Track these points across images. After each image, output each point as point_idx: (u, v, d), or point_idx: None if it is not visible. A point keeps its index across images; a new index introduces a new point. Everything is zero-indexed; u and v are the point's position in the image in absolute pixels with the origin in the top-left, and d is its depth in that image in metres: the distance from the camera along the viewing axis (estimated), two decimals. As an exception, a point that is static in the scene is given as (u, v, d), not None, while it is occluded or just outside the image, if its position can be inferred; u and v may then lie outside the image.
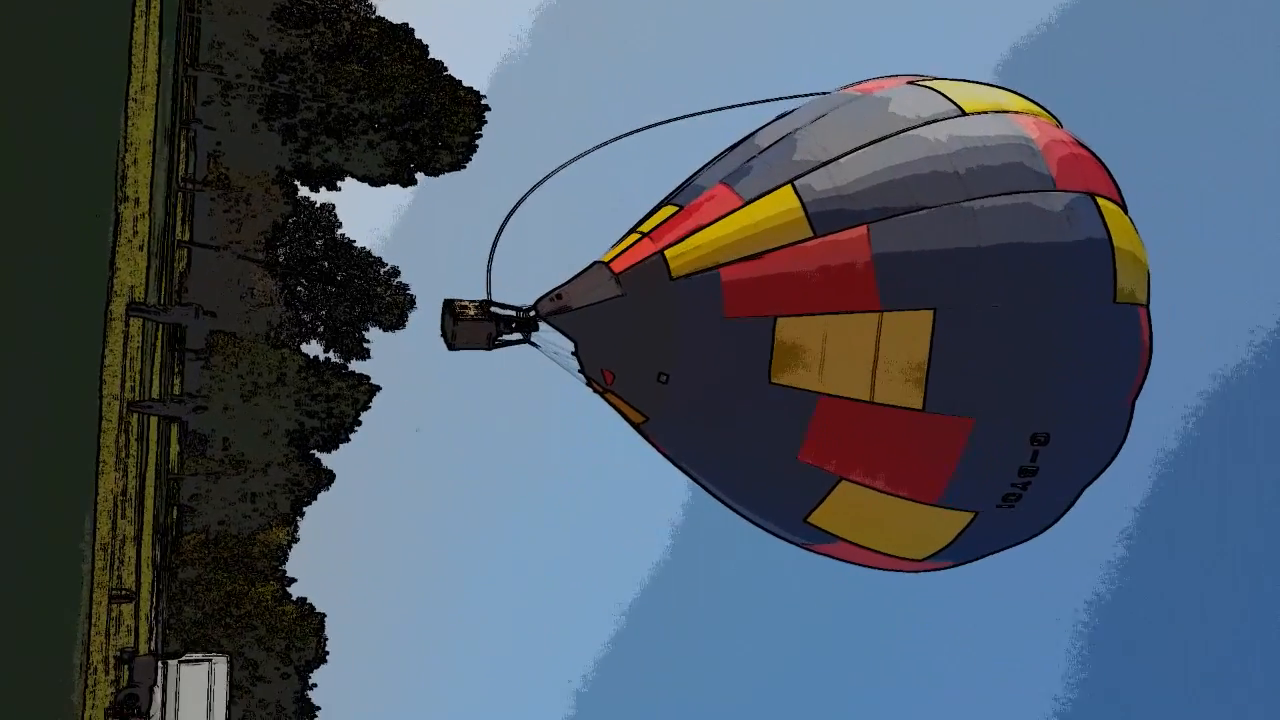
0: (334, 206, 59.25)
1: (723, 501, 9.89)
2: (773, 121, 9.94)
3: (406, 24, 54.14)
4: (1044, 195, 8.81)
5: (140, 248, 38.65)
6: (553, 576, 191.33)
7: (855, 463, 8.93)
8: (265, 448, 51.10)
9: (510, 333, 9.01)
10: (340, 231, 61.41)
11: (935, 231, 8.50)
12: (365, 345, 63.55)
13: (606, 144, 9.65)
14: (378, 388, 52.89)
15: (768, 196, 8.79)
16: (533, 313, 8.98)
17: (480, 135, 60.54)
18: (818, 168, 8.85)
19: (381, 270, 63.46)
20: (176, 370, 50.97)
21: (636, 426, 9.28)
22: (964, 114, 9.24)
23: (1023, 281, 8.58)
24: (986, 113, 9.33)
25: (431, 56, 57.15)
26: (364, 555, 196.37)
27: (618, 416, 9.32)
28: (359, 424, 52.52)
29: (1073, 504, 9.88)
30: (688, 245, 8.69)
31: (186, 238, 52.12)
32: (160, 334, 47.83)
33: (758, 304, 8.50)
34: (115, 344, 35.04)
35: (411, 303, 65.31)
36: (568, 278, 9.05)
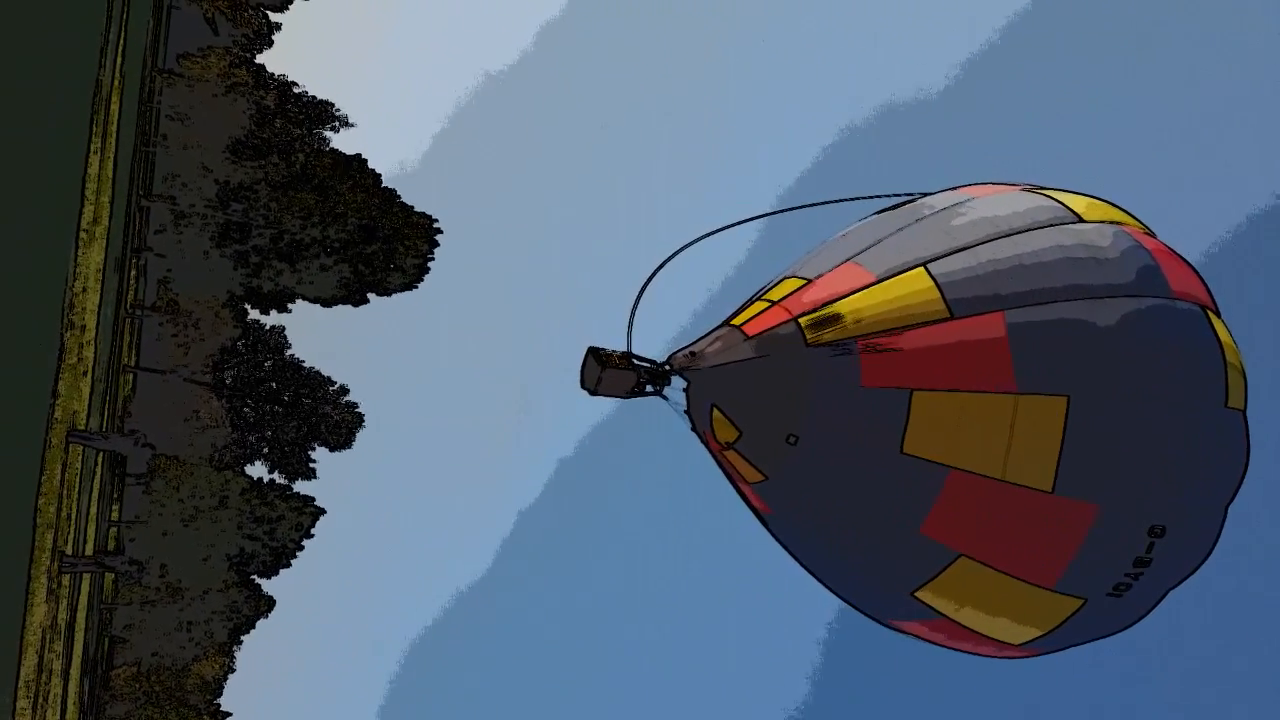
0: (284, 328, 59.75)
1: (813, 569, 9.98)
2: (883, 212, 10.44)
3: (359, 155, 56.12)
4: (1164, 302, 9.39)
5: (84, 374, 38.69)
6: (496, 708, 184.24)
7: (978, 539, 9.00)
8: (204, 573, 49.90)
9: (646, 384, 9.25)
10: (290, 352, 61.82)
11: (1069, 322, 8.94)
12: (311, 465, 63.06)
13: (736, 225, 10.25)
14: (322, 510, 52.30)
15: (900, 276, 9.17)
16: (668, 367, 9.23)
17: (432, 257, 62.16)
18: (951, 254, 9.28)
19: (330, 389, 63.65)
20: (115, 497, 50.03)
21: (750, 485, 9.34)
22: (1082, 220, 9.84)
23: (1151, 379, 8.99)
24: (1102, 222, 9.91)
25: (384, 185, 59.22)
26: (303, 685, 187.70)
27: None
28: (301, 548, 51.69)
29: (1159, 602, 10.01)
30: (822, 314, 9.06)
31: (133, 363, 52.08)
32: (101, 461, 47.17)
33: (894, 376, 8.76)
34: (53, 470, 34.71)
35: (360, 421, 65.31)
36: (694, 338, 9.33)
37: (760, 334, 9.05)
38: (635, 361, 9.22)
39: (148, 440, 38.18)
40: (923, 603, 9.51)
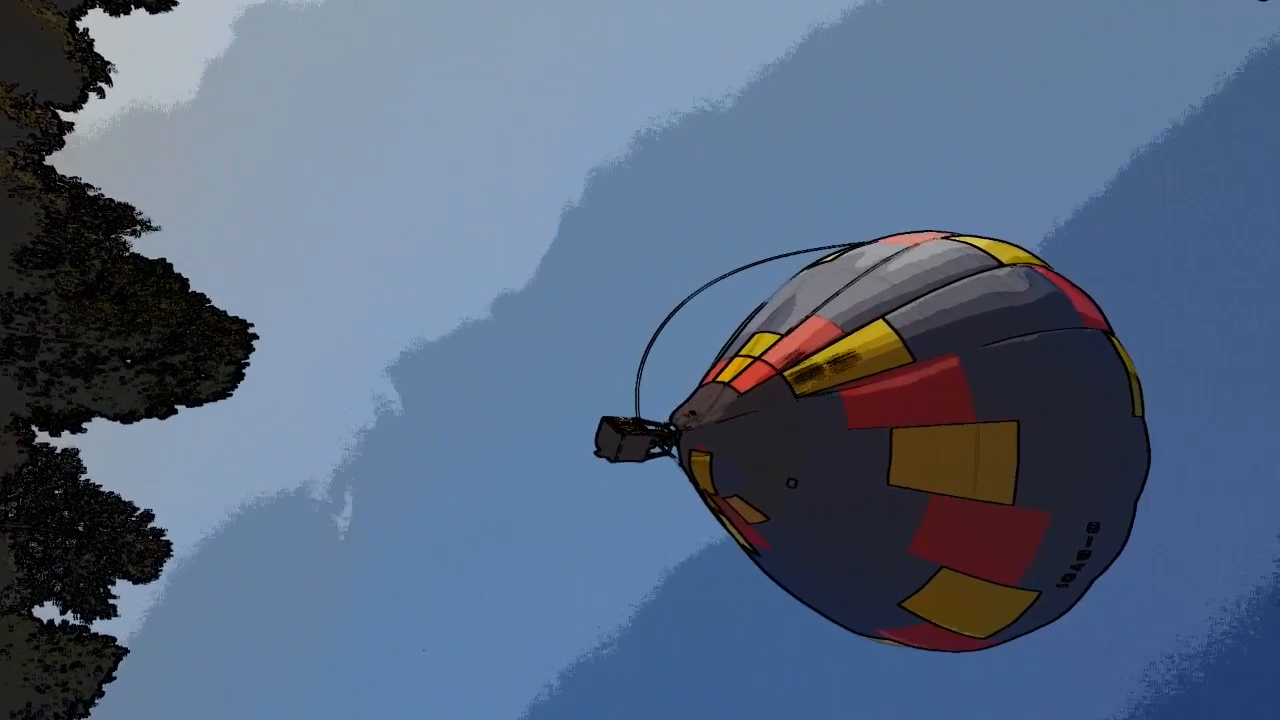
0: (77, 451, 54.39)
1: (803, 594, 11.35)
2: (819, 264, 12.01)
3: (164, 259, 52.85)
4: (1079, 331, 11.20)
5: None
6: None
7: (956, 552, 10.55)
8: (-19, 739, 43.51)
9: (657, 446, 10.39)
10: (85, 477, 56.18)
11: (1009, 356, 10.61)
12: (111, 602, 56.97)
13: (730, 275, 11.63)
14: (125, 650, 47.18)
15: (865, 328, 10.71)
16: (673, 427, 10.39)
17: (247, 364, 58.77)
18: (904, 304, 10.87)
19: (132, 516, 58.16)
20: None
21: (751, 525, 10.61)
22: (1002, 265, 11.58)
23: (1078, 398, 10.79)
24: (1018, 264, 11.68)
25: (193, 289, 55.84)
26: None
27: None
28: (101, 694, 46.18)
29: (1086, 591, 11.72)
30: (804, 368, 10.49)
31: (-109, 499, 45.70)
32: None
33: (875, 418, 10.20)
34: None
35: (167, 550, 59.77)
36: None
37: (752, 390, 10.35)
38: (647, 426, 10.30)
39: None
40: (909, 611, 11.08)
